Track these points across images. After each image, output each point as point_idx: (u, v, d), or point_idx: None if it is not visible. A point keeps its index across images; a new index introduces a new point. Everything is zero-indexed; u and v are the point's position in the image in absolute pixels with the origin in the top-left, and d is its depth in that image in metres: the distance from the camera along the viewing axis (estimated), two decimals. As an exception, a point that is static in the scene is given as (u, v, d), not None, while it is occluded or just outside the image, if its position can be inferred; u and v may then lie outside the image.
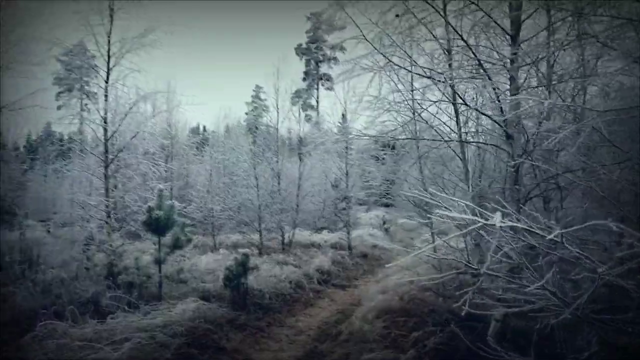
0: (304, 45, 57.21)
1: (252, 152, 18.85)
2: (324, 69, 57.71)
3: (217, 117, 28.49)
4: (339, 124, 34.10)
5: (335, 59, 56.56)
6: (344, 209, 24.65)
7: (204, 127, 41.56)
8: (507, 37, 5.99)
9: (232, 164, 21.46)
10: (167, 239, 9.31)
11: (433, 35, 6.53)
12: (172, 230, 9.22)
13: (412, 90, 7.13)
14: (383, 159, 23.87)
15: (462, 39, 6.02)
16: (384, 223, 28.83)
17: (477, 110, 6.29)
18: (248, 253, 10.10)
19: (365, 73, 6.37)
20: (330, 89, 56.59)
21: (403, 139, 7.21)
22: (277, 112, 19.64)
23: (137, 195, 12.28)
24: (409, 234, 26.61)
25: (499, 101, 6.04)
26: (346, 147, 19.35)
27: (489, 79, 6.00)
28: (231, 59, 73.80)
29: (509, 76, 6.06)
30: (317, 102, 55.74)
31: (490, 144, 6.56)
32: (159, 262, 9.12)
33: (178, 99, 16.16)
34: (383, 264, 17.97)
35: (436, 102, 6.87)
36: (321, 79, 57.72)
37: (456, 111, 7.72)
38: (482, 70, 6.05)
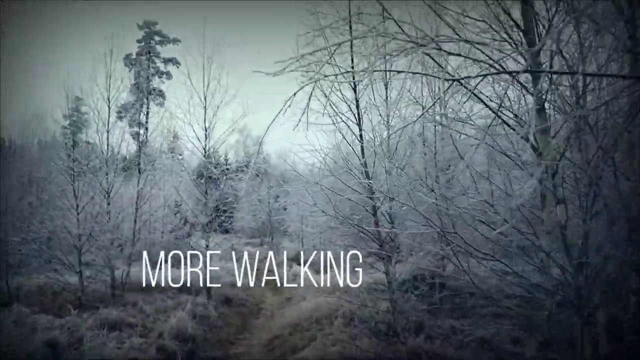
0: (134, 56, 50.96)
1: (72, 160, 13.71)
2: (155, 83, 52.00)
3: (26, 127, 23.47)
4: (170, 141, 29.58)
5: (168, 73, 51.47)
6: (189, 235, 20.53)
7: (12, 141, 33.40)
8: None
9: (42, 179, 16.01)
10: None
11: None
12: None
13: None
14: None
15: None
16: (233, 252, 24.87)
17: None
18: (58, 341, 5.69)
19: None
20: (161, 104, 51.19)
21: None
22: (109, 115, 15.07)
23: None
24: (262, 264, 22.93)
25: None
26: (211, 163, 15.37)
27: None
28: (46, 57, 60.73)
29: None
30: (147, 118, 49.58)
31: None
32: None
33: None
34: (255, 312, 14.13)
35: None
36: (151, 93, 51.83)
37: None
38: None
